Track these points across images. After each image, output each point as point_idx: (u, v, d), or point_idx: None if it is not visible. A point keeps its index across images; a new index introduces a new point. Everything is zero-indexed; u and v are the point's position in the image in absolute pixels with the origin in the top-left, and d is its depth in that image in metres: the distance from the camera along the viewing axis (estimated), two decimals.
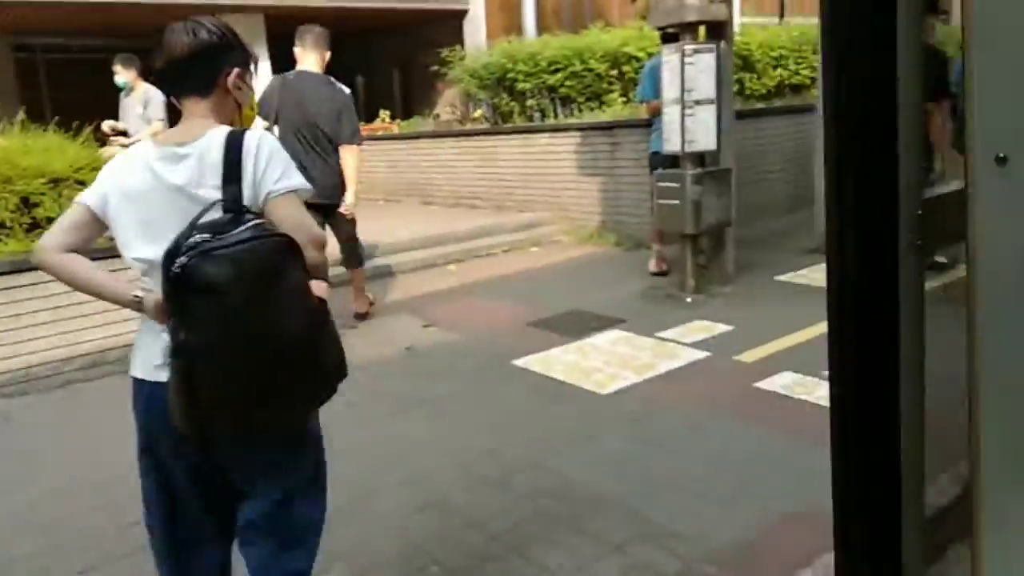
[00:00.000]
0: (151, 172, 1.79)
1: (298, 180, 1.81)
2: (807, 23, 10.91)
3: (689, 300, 5.57)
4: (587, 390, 4.06)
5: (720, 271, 5.98)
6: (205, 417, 1.63)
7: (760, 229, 7.64)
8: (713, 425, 3.57)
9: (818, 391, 3.85)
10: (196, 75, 1.85)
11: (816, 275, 6.06)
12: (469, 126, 10.10)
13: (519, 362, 4.53)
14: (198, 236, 1.62)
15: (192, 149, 1.78)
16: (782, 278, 6.04)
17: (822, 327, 4.70)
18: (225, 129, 1.81)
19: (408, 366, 4.73)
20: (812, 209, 7.30)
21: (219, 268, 1.56)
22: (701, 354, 4.48)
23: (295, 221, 1.75)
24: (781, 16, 15.49)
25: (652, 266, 6.39)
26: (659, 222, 5.88)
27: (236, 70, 1.89)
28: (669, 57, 5.44)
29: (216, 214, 1.70)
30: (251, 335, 1.59)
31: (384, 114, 12.49)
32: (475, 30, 13.58)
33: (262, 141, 1.80)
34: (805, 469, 3.10)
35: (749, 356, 4.42)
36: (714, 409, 3.75)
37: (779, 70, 9.80)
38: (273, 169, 1.76)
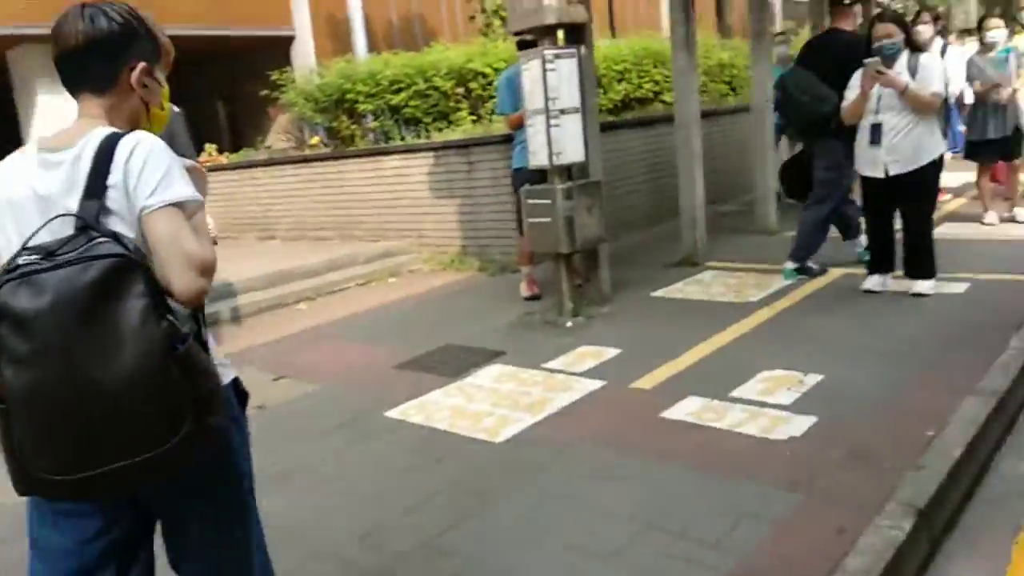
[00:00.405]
0: (28, 180, 1.57)
1: (179, 191, 1.53)
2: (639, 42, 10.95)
3: (569, 324, 5.14)
4: (478, 439, 3.50)
5: (596, 291, 5.62)
6: (33, 469, 1.43)
7: (625, 244, 7.41)
8: (627, 468, 3.11)
9: (728, 416, 3.50)
10: (93, 69, 1.61)
11: (691, 288, 5.84)
12: (308, 152, 9.34)
13: (393, 413, 3.91)
14: (25, 258, 1.41)
15: (66, 155, 1.54)
16: (658, 294, 5.76)
17: (712, 344, 4.36)
18: (105, 131, 1.55)
19: (259, 430, 3.96)
20: (675, 221, 7.16)
21: (29, 296, 1.37)
22: (596, 384, 4.04)
23: (169, 241, 1.48)
24: (612, 35, 15.76)
25: (523, 290, 5.95)
26: (530, 242, 5.43)
27: (143, 64, 1.64)
28: (528, 64, 5.04)
29: (69, 231, 1.45)
30: (69, 374, 1.36)
31: (210, 148, 11.42)
32: (303, 56, 12.84)
33: (138, 146, 1.52)
34: (739, 513, 2.69)
35: (646, 382, 4.02)
36: (624, 448, 3.29)
37: (624, 84, 9.72)
38: (147, 180, 1.50)
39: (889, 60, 4.84)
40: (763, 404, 3.60)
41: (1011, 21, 7.16)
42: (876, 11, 5.20)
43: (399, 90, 8.53)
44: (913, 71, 4.82)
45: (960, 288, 5.08)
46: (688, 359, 4.29)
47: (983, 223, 6.83)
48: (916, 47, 4.94)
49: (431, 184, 7.54)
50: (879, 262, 5.25)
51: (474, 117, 8.39)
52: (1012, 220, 6.87)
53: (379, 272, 7.39)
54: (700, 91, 10.44)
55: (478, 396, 4.03)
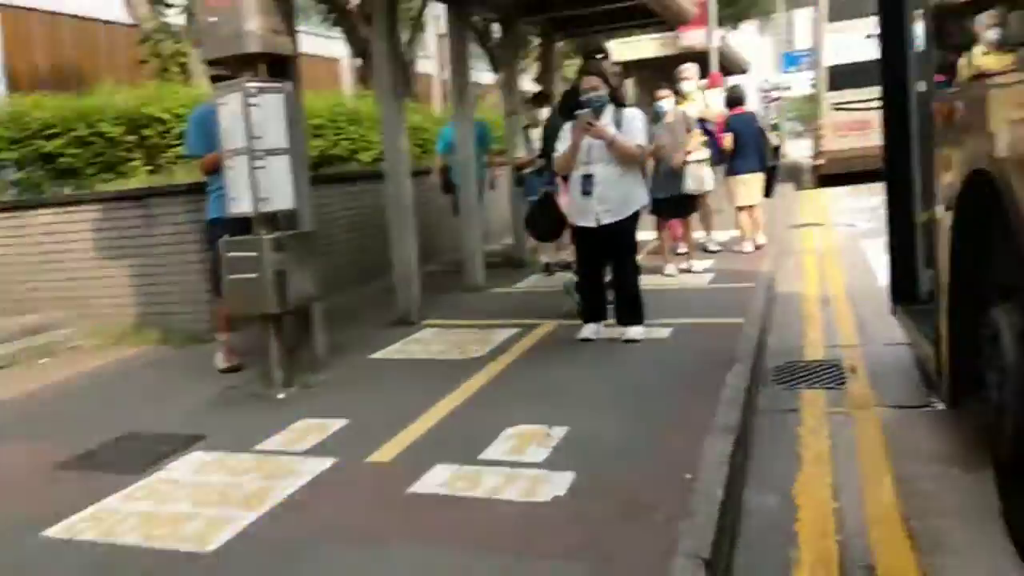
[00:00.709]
0: None
1: None
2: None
3: (281, 396, 4.45)
4: (183, 551, 2.70)
5: (310, 356, 4.98)
6: None
7: (332, 305, 6.82)
8: (383, 564, 2.57)
9: (483, 482, 3.12)
10: None
11: (411, 348, 5.46)
12: None
13: (56, 531, 2.93)
14: None
15: None
16: (378, 356, 5.29)
17: (446, 404, 3.95)
18: None
19: None
20: (381, 281, 6.79)
21: None
22: (325, 462, 3.43)
23: None
24: None
25: (220, 361, 5.11)
26: (230, 303, 4.66)
27: None
28: (227, 98, 4.37)
29: None
30: None
31: None
32: None
33: None
34: None
35: (384, 454, 3.51)
36: (374, 537, 2.74)
37: (320, 140, 9.25)
38: None
39: (596, 112, 4.98)
40: (516, 464, 3.28)
41: (676, 93, 7.93)
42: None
43: (53, 136, 7.19)
44: (618, 124, 5.00)
45: (665, 333, 5.30)
46: (425, 423, 3.86)
47: (664, 274, 7.37)
48: (620, 102, 5.15)
49: (97, 243, 6.35)
50: (592, 311, 5.32)
51: (150, 167, 7.33)
52: (688, 271, 7.52)
53: (25, 352, 5.99)
54: None
55: (175, 495, 3.19)
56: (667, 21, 10.17)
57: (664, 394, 4.11)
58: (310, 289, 4.68)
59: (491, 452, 3.42)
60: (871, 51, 16.08)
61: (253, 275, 4.39)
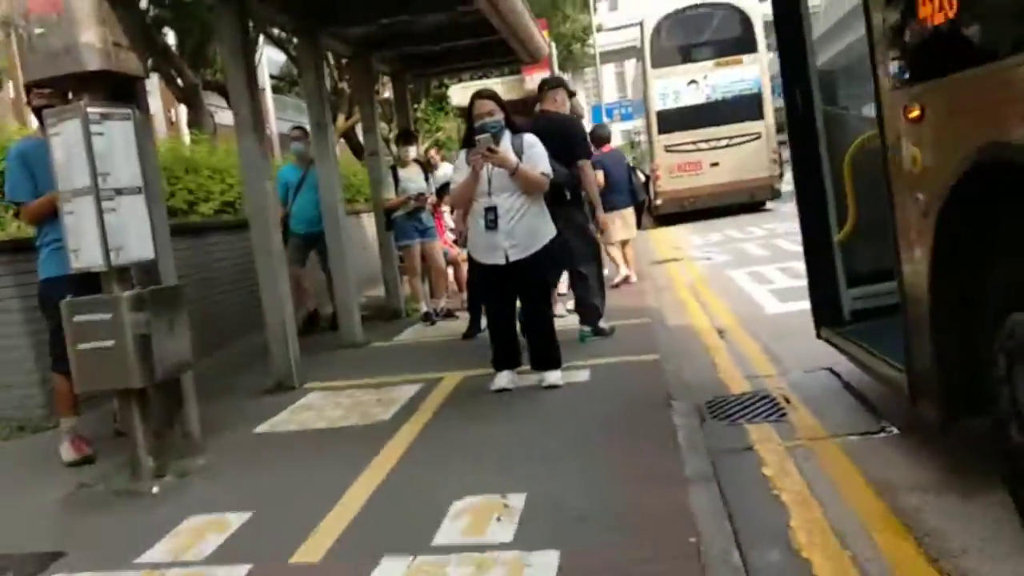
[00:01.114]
0: None
1: None
2: None
3: (155, 490, 3.60)
4: None
5: (183, 437, 4.14)
6: None
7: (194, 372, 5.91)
8: None
9: (452, 575, 2.53)
10: None
11: (302, 416, 4.74)
12: None
13: None
14: None
15: None
16: (263, 429, 4.52)
17: (367, 483, 3.11)
18: None
19: None
20: (246, 341, 5.97)
21: None
22: (238, 571, 2.69)
23: None
24: None
25: (67, 452, 4.11)
26: (79, 379, 3.74)
27: None
28: (60, 127, 3.55)
29: None
30: None
31: None
32: None
33: None
34: None
35: (311, 551, 2.82)
36: None
37: None
38: None
39: (495, 139, 4.56)
40: (483, 547, 2.72)
41: None
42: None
43: None
44: (519, 151, 4.60)
45: (584, 375, 4.92)
46: (349, 507, 3.20)
47: (554, 315, 7.01)
48: (517, 128, 4.76)
49: None
50: (505, 357, 4.84)
51: None
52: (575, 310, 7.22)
53: None
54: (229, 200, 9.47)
55: None
56: (523, 59, 10.07)
57: (610, 442, 3.69)
58: (182, 355, 3.88)
59: (445, 535, 2.84)
60: (695, 95, 17.22)
61: (109, 342, 3.55)
